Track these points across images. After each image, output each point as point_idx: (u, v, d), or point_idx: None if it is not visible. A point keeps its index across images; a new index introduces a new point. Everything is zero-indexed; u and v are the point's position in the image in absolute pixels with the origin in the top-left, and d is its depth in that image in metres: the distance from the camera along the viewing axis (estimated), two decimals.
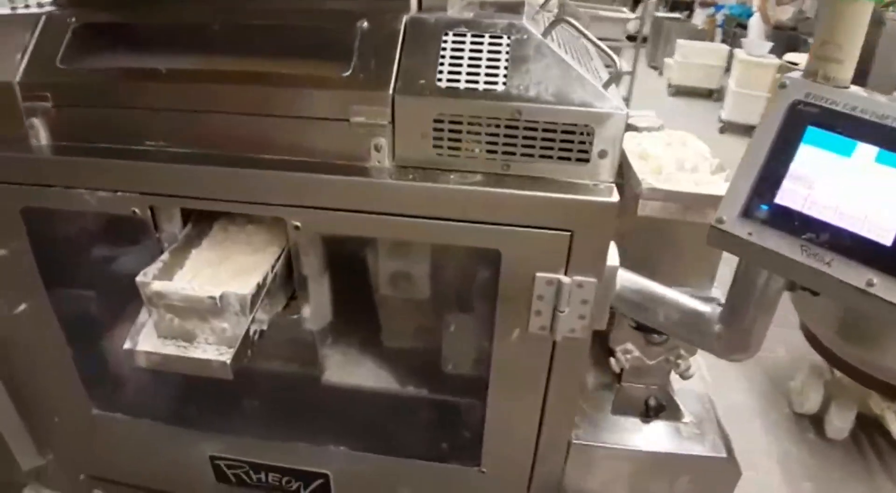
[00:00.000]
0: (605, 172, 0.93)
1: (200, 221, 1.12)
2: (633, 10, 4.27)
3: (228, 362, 0.93)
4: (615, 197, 0.89)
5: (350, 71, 0.93)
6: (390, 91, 0.91)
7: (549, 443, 1.13)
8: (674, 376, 1.28)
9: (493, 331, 1.01)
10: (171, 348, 0.99)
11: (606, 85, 0.90)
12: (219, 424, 1.28)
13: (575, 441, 1.14)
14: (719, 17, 7.29)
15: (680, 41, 6.48)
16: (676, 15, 7.70)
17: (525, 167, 0.93)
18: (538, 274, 0.94)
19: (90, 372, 1.27)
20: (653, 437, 1.16)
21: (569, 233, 0.91)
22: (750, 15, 6.16)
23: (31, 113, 1.05)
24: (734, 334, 0.87)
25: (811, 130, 0.72)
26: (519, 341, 1.01)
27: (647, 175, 1.13)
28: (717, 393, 2.44)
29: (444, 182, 0.92)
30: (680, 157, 1.22)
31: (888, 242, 0.66)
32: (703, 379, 1.32)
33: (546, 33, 0.93)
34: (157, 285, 0.95)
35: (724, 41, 6.84)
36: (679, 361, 1.21)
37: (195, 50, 1.02)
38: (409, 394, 1.23)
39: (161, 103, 1.00)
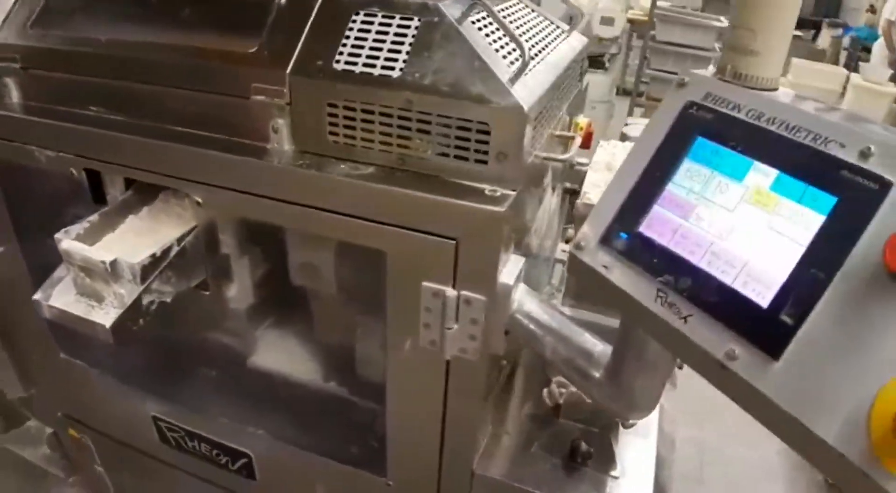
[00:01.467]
0: (507, 177, 0.78)
1: (145, 191, 1.10)
2: None
3: (108, 325, 0.90)
4: (503, 207, 0.74)
5: (256, 47, 0.85)
6: (287, 71, 0.82)
7: (452, 468, 1.00)
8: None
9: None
10: (81, 306, 0.97)
11: (513, 79, 0.75)
12: (162, 387, 1.27)
13: (478, 472, 0.99)
14: (846, 40, 6.40)
15: (795, 60, 5.78)
16: (798, 33, 6.88)
17: (421, 164, 0.81)
18: (424, 283, 0.82)
19: None
20: (567, 485, 0.98)
21: (454, 241, 0.77)
22: (876, 39, 5.35)
23: (4, 73, 1.08)
24: (612, 386, 0.69)
25: (700, 143, 0.54)
26: (411, 354, 0.89)
27: (597, 189, 0.95)
28: (742, 444, 2.13)
29: (335, 172, 0.82)
30: None
31: (764, 303, 0.47)
32: (661, 432, 1.11)
33: (462, 18, 0.80)
34: (65, 244, 0.93)
35: (846, 65, 6.01)
36: None
37: (134, 20, 0.99)
38: (328, 390, 1.14)
39: (98, 71, 0.98)
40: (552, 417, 1.12)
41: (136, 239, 1.02)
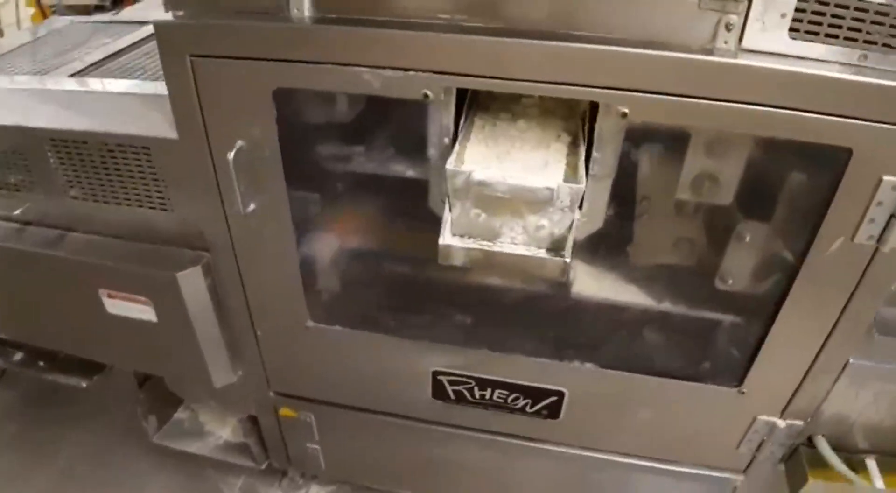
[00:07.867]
0: None
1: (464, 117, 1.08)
2: None
3: (568, 260, 0.92)
4: None
5: None
6: None
7: (826, 362, 1.15)
8: None
9: (805, 241, 1.02)
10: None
11: None
12: (446, 337, 1.29)
13: (854, 362, 1.16)
14: None
15: None
16: None
17: (883, 59, 0.91)
18: (885, 177, 0.94)
19: (313, 281, 1.26)
20: None
21: None
22: None
23: None
24: None
25: None
26: (837, 252, 1.02)
27: None
28: None
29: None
30: None
31: None
32: None
33: None
34: (480, 174, 0.93)
35: None
36: None
37: None
38: (668, 310, 1.24)
39: None
40: None
41: (499, 165, 1.01)
